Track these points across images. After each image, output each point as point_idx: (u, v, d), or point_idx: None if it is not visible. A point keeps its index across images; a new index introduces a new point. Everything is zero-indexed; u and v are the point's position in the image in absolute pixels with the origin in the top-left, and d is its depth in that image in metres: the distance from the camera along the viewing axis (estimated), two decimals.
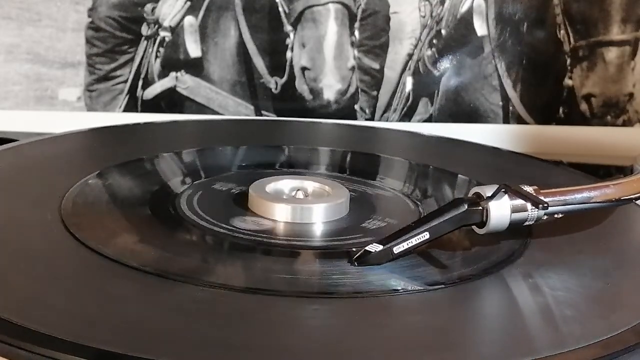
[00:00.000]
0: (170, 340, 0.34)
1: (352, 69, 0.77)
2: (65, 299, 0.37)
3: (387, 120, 0.78)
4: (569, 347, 0.35)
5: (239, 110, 0.77)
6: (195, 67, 0.75)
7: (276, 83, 0.76)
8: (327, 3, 0.75)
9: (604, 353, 0.35)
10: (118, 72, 0.75)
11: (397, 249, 0.41)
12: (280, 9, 0.75)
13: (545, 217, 0.44)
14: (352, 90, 0.77)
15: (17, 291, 0.37)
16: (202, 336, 0.34)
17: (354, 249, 0.43)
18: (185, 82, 0.76)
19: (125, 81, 0.75)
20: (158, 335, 0.34)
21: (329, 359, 0.34)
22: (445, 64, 0.77)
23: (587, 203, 0.45)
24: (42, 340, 0.33)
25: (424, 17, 0.76)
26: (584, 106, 0.79)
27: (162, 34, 0.75)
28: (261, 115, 0.77)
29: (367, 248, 0.42)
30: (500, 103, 0.78)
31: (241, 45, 0.76)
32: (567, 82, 0.79)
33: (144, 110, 0.76)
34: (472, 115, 0.78)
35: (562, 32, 0.77)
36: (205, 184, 0.53)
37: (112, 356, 0.32)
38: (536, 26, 0.77)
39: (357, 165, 0.62)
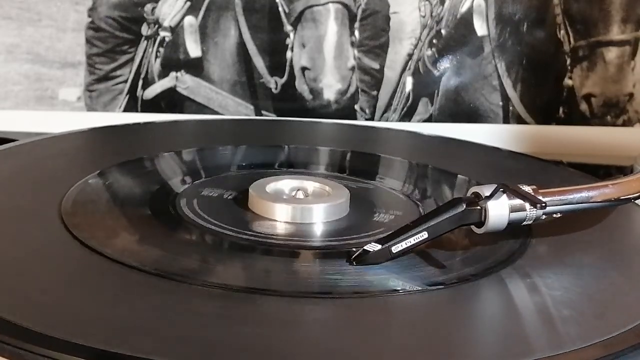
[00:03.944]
0: (170, 340, 0.34)
1: (352, 69, 0.77)
2: (65, 299, 0.37)
3: (387, 120, 0.78)
4: (568, 348, 0.35)
5: (239, 110, 0.77)
6: (195, 67, 0.76)
7: (276, 83, 0.76)
8: (327, 3, 0.75)
9: (603, 353, 0.35)
10: (118, 72, 0.75)
11: (395, 249, 0.41)
12: (280, 9, 0.75)
13: (544, 217, 0.44)
14: (352, 90, 0.77)
15: (17, 291, 0.37)
16: (202, 336, 0.34)
17: (353, 249, 0.43)
18: (185, 82, 0.76)
19: (125, 81, 0.75)
20: (158, 336, 0.34)
21: (328, 359, 0.34)
22: (445, 64, 0.77)
23: (586, 203, 0.45)
24: (42, 340, 0.33)
25: (424, 17, 0.76)
26: (584, 106, 0.79)
27: (162, 34, 0.75)
28: (261, 115, 0.77)
29: (365, 247, 0.42)
30: (500, 103, 0.78)
31: (241, 45, 0.76)
32: (567, 82, 0.79)
33: (144, 110, 0.76)
34: (472, 115, 0.78)
35: (562, 32, 0.78)
36: (206, 184, 0.53)
37: (112, 356, 0.32)
38: (536, 26, 0.77)
39: (357, 165, 0.62)
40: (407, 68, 0.77)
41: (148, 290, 0.38)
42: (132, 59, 0.75)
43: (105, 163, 0.55)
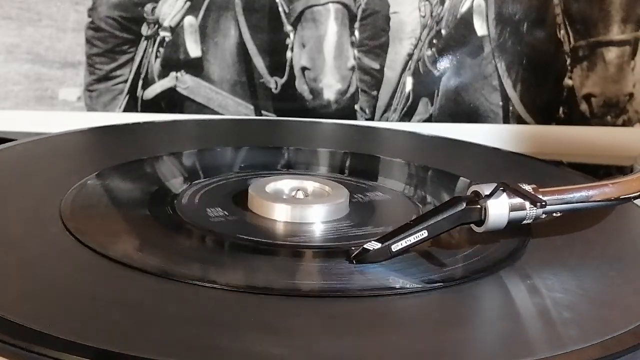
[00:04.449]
0: (170, 340, 0.34)
1: (352, 69, 0.77)
2: (64, 299, 0.37)
3: (387, 120, 0.78)
4: (568, 349, 0.35)
5: (239, 110, 0.77)
6: (195, 67, 0.76)
7: (276, 83, 0.76)
8: (327, 3, 0.75)
9: (603, 354, 0.35)
10: (118, 72, 0.75)
11: (395, 247, 0.41)
12: (280, 9, 0.75)
13: (544, 216, 0.44)
14: (352, 90, 0.77)
15: (17, 291, 0.37)
16: (202, 336, 0.34)
17: (353, 248, 0.43)
18: (185, 82, 0.76)
19: (125, 81, 0.75)
20: (158, 336, 0.34)
21: (328, 359, 0.34)
22: (445, 64, 0.77)
23: (586, 202, 0.45)
24: (42, 339, 0.33)
25: (424, 17, 0.76)
26: (584, 106, 0.79)
27: (162, 34, 0.75)
28: (261, 115, 0.77)
29: (365, 246, 0.42)
30: (500, 103, 0.78)
31: (241, 45, 0.76)
32: (567, 82, 0.79)
33: (144, 110, 0.76)
34: (472, 115, 0.78)
35: (562, 32, 0.78)
36: (205, 184, 0.53)
37: (112, 356, 0.32)
38: (536, 26, 0.77)
39: (357, 165, 0.62)
40: (407, 68, 0.77)
41: (147, 290, 0.38)
42: (132, 59, 0.75)
43: (105, 163, 0.55)
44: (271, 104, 0.77)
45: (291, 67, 0.76)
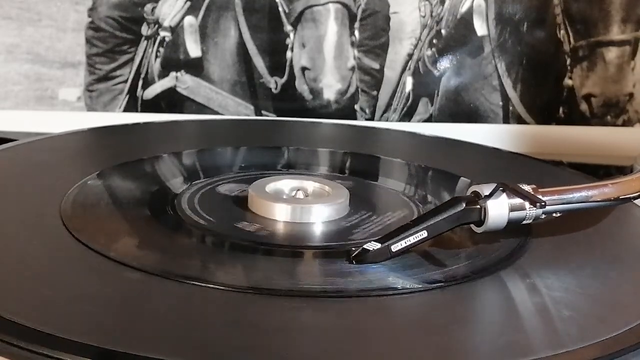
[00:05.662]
0: (170, 340, 0.34)
1: (352, 69, 0.77)
2: (65, 299, 0.37)
3: (387, 120, 0.78)
4: (568, 348, 0.35)
5: (239, 110, 0.77)
6: (195, 67, 0.76)
7: (276, 83, 0.76)
8: (327, 3, 0.75)
9: (603, 354, 0.35)
10: (118, 72, 0.75)
11: (395, 247, 0.41)
12: (280, 9, 0.75)
13: (544, 216, 0.44)
14: (352, 90, 0.77)
15: (17, 291, 0.37)
16: (202, 336, 0.34)
17: (353, 249, 0.43)
18: (185, 82, 0.76)
19: (125, 81, 0.75)
20: (158, 335, 0.34)
21: (327, 359, 0.34)
22: (445, 64, 0.77)
23: (586, 202, 0.45)
24: (42, 339, 0.33)
25: (424, 17, 0.76)
26: (584, 106, 0.79)
27: (162, 34, 0.75)
28: (261, 115, 0.77)
29: (365, 246, 0.42)
30: (500, 103, 0.78)
31: (241, 45, 0.76)
32: (567, 82, 0.79)
33: (144, 110, 0.76)
34: (472, 115, 0.78)
35: (562, 32, 0.78)
36: (206, 184, 0.53)
37: (112, 356, 0.32)
38: (536, 26, 0.77)
39: (357, 165, 0.62)
40: (407, 68, 0.77)
41: (148, 291, 0.38)
42: (132, 59, 0.75)
43: (105, 163, 0.55)
44: (271, 104, 0.77)
45: (291, 67, 0.76)
